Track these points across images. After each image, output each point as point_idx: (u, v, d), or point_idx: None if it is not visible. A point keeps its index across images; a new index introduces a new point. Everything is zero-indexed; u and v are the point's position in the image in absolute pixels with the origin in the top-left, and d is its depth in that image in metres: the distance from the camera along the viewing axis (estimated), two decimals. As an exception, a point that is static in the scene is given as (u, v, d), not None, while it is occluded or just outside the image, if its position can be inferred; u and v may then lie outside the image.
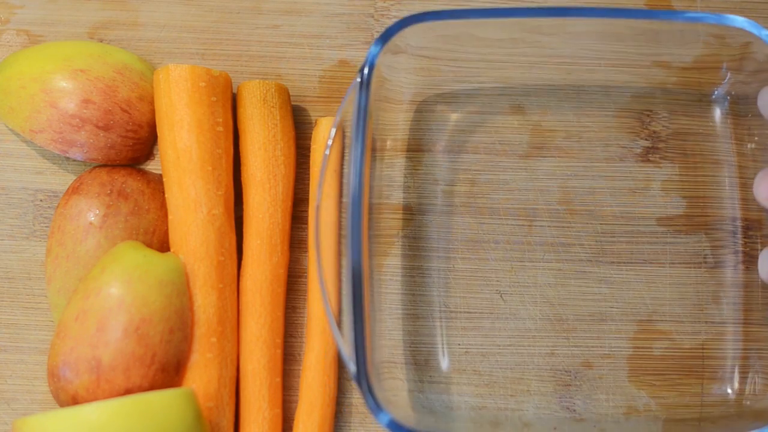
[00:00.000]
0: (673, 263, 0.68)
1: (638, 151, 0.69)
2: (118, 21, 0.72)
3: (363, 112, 0.60)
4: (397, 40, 0.62)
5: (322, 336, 0.65)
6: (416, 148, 0.69)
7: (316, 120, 0.69)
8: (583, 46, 0.69)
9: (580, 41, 0.68)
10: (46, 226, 0.67)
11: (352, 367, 0.58)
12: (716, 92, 0.69)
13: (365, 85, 0.61)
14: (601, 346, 0.67)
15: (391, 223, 0.68)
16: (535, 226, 0.68)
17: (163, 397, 0.59)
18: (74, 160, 0.69)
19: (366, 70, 0.61)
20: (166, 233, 0.66)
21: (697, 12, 0.65)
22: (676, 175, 0.68)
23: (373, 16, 0.72)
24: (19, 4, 0.72)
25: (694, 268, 0.68)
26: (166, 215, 0.66)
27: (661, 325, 0.67)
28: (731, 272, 0.68)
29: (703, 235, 0.68)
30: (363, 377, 0.58)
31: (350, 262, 0.58)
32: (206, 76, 0.66)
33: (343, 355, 0.59)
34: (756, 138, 0.68)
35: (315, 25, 0.71)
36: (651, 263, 0.68)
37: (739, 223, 0.68)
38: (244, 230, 0.67)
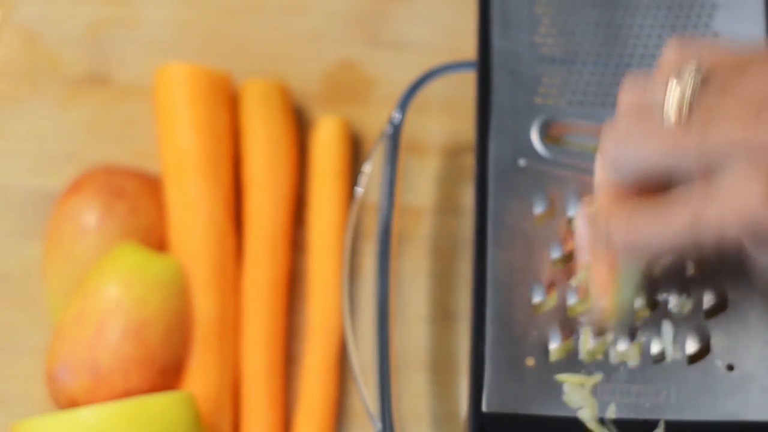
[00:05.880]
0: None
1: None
2: (118, 19, 0.72)
3: (393, 161, 0.61)
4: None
5: (323, 338, 0.65)
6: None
7: (317, 120, 0.69)
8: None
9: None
10: (45, 227, 0.66)
11: (377, 425, 0.57)
12: None
13: (396, 133, 0.61)
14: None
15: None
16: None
17: (163, 401, 0.59)
18: (74, 160, 0.69)
19: (397, 115, 0.62)
20: (164, 233, 0.65)
21: None
22: None
23: (375, 15, 0.71)
24: (18, 1, 0.72)
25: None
26: (164, 215, 0.65)
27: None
28: None
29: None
30: None
31: (379, 334, 0.58)
32: (207, 76, 0.66)
33: (367, 411, 0.58)
34: None
35: (316, 24, 0.71)
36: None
37: None
38: (245, 231, 0.66)
